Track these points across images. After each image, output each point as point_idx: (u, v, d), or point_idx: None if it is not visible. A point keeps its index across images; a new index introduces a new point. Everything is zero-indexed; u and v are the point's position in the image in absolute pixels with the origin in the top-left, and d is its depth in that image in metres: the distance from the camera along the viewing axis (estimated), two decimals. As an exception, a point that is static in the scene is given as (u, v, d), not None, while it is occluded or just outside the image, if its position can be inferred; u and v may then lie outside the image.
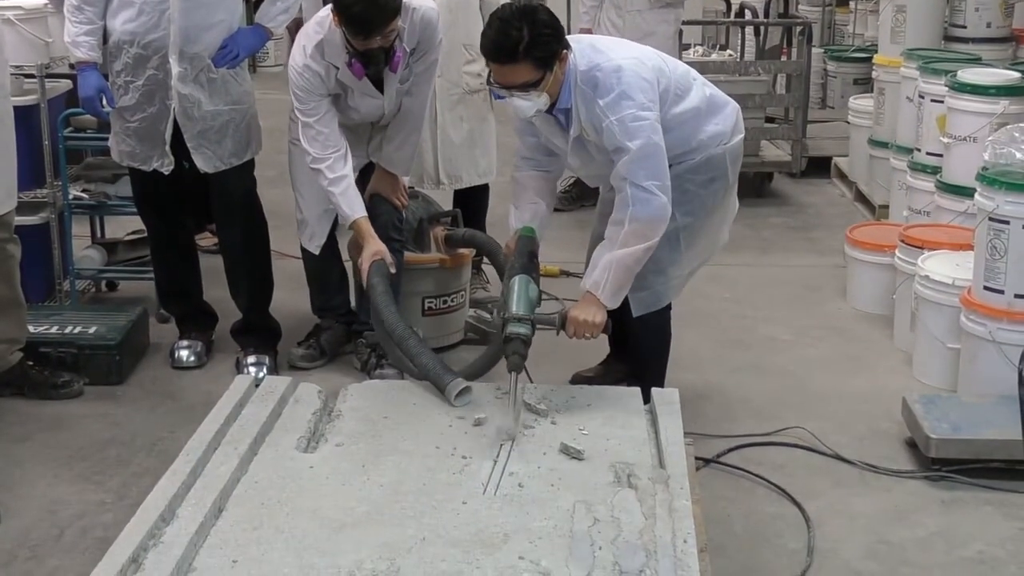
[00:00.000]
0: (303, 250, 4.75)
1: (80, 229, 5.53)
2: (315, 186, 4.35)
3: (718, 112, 3.92)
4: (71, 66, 5.07)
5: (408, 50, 4.27)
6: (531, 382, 3.70)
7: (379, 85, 4.31)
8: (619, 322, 4.20)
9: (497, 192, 5.44)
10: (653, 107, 3.62)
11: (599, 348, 4.48)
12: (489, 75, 3.59)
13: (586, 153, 3.78)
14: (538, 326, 3.56)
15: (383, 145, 4.52)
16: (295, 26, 4.86)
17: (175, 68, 4.35)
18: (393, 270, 4.11)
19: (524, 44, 3.44)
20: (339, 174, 4.22)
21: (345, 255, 4.84)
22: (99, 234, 5.70)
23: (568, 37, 3.63)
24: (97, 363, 4.55)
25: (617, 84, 3.57)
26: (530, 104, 3.57)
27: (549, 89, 3.56)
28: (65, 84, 5.31)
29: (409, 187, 4.80)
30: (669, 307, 4.08)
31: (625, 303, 3.90)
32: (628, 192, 3.58)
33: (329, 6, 4.14)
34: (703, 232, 4.01)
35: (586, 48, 3.67)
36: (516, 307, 3.52)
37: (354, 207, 4.22)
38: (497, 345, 3.94)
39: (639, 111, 3.57)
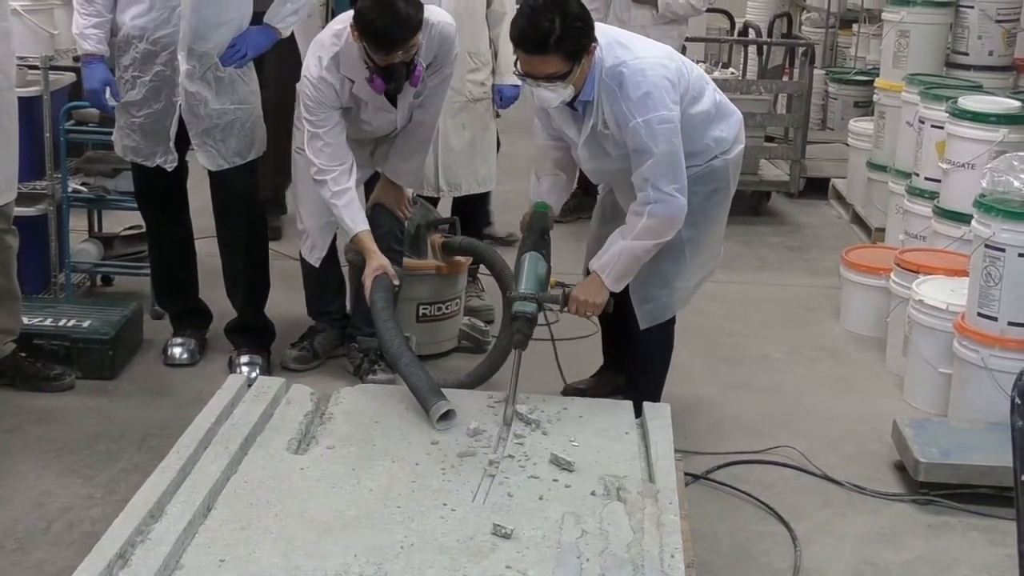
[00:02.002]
0: (302, 255, 4.75)
1: (77, 222, 5.53)
2: (318, 197, 4.34)
3: (725, 119, 3.95)
4: (75, 59, 5.07)
5: (424, 65, 4.26)
6: (565, 382, 3.98)
7: (393, 99, 4.30)
8: (617, 333, 4.23)
9: (496, 200, 5.46)
10: (676, 108, 3.66)
11: (592, 360, 4.49)
12: (516, 62, 3.61)
13: (599, 147, 3.80)
14: (544, 304, 3.71)
15: (390, 156, 4.50)
16: None
17: (183, 65, 4.34)
18: (396, 282, 4.10)
19: (555, 36, 3.45)
20: (343, 187, 4.20)
21: (343, 259, 4.85)
22: (96, 228, 5.70)
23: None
24: (90, 357, 4.54)
25: (644, 83, 3.59)
26: (555, 95, 3.60)
27: (575, 81, 3.59)
28: (69, 77, 5.31)
29: (408, 193, 4.80)
30: (674, 321, 4.11)
31: (630, 314, 3.96)
32: (650, 193, 3.66)
33: (345, 18, 4.12)
34: (707, 243, 4.05)
35: (612, 43, 3.67)
36: (524, 285, 3.66)
37: (357, 220, 4.21)
38: (496, 354, 3.94)
39: (665, 112, 3.61)
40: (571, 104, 3.72)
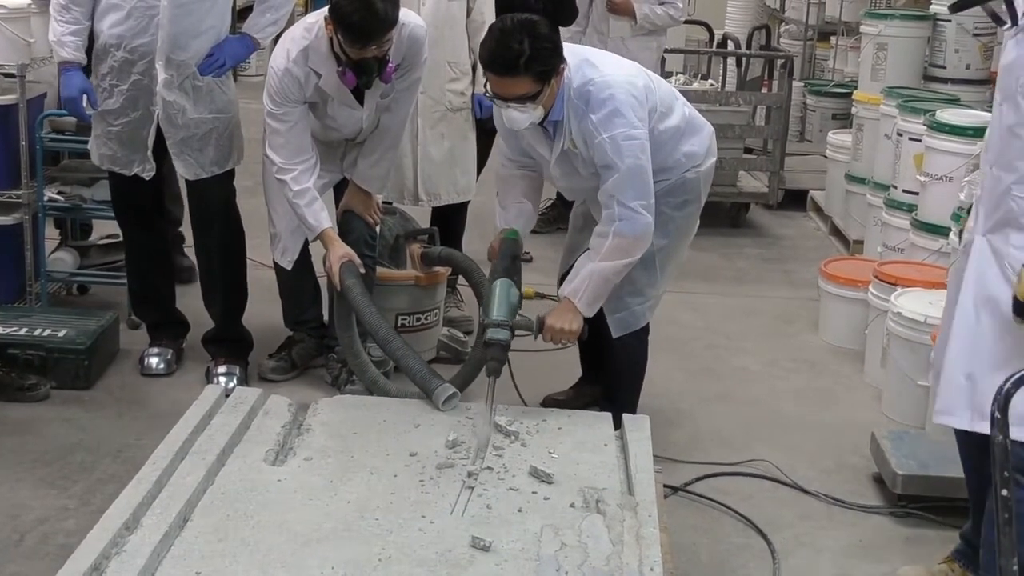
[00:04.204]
0: (276, 262, 4.73)
1: (53, 231, 5.48)
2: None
3: (696, 133, 3.98)
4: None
5: (394, 65, 4.27)
6: (521, 399, 3.84)
7: (360, 97, 4.31)
8: (594, 345, 4.23)
9: (474, 213, 5.45)
10: (643, 125, 3.68)
11: (571, 371, 4.49)
12: (485, 84, 3.64)
13: (570, 166, 3.83)
14: (517, 331, 3.69)
15: (358, 161, 4.51)
16: None
17: (161, 74, 4.33)
18: (362, 271, 4.15)
19: (525, 58, 3.48)
20: (303, 186, 4.21)
21: (319, 269, 4.83)
22: (72, 237, 5.65)
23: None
24: (65, 367, 4.51)
25: (610, 101, 3.62)
26: (525, 116, 3.62)
27: (545, 102, 3.61)
28: (45, 84, 5.27)
29: (387, 203, 4.79)
30: (647, 331, 4.12)
31: (604, 325, 3.98)
32: (615, 210, 3.67)
33: (318, 13, 4.16)
34: (677, 253, 4.10)
35: (580, 62, 3.70)
36: (496, 312, 3.63)
37: (320, 219, 4.22)
38: (470, 366, 3.94)
39: (631, 130, 3.63)
40: (542, 124, 3.73)
